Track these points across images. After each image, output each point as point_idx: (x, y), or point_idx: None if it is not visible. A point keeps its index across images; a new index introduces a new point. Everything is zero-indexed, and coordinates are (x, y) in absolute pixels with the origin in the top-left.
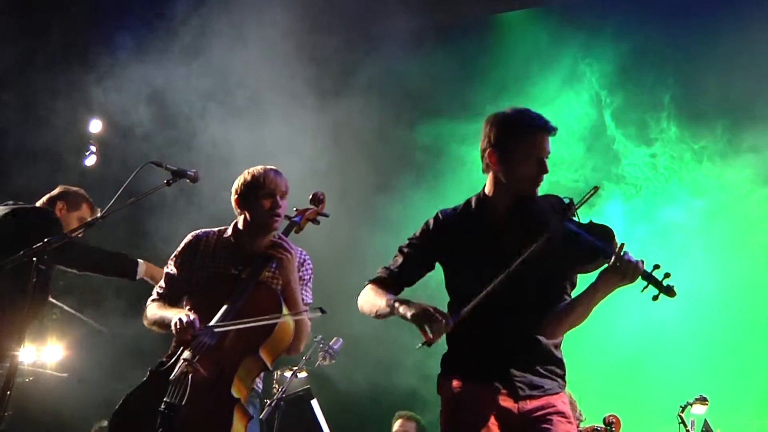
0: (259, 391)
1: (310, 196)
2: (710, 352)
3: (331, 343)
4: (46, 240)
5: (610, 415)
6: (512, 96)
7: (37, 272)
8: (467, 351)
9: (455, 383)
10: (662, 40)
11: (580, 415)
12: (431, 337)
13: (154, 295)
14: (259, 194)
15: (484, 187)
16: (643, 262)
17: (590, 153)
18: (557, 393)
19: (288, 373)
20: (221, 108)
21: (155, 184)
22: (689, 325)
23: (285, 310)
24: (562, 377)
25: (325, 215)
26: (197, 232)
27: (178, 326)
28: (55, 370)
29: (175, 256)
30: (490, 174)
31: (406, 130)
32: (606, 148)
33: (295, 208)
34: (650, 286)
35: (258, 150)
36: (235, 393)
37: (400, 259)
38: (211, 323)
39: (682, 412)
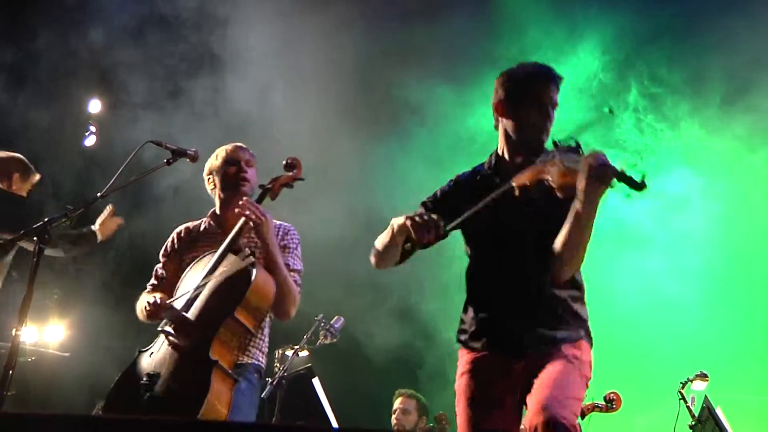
0: (258, 364)
1: (284, 163)
2: (710, 328)
3: (332, 322)
4: (46, 219)
5: (611, 392)
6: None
7: (38, 252)
8: (477, 317)
9: (467, 353)
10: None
11: None
12: (420, 237)
13: (147, 288)
14: (224, 167)
15: (498, 146)
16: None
17: (589, 124)
18: (572, 341)
19: (289, 352)
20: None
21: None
22: (689, 301)
23: (255, 274)
24: (581, 327)
25: (300, 179)
26: (182, 225)
27: (146, 309)
28: (57, 349)
29: (162, 250)
30: (501, 129)
31: (395, 90)
32: (606, 117)
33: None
34: (624, 185)
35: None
36: (213, 355)
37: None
38: (180, 299)
39: (683, 388)
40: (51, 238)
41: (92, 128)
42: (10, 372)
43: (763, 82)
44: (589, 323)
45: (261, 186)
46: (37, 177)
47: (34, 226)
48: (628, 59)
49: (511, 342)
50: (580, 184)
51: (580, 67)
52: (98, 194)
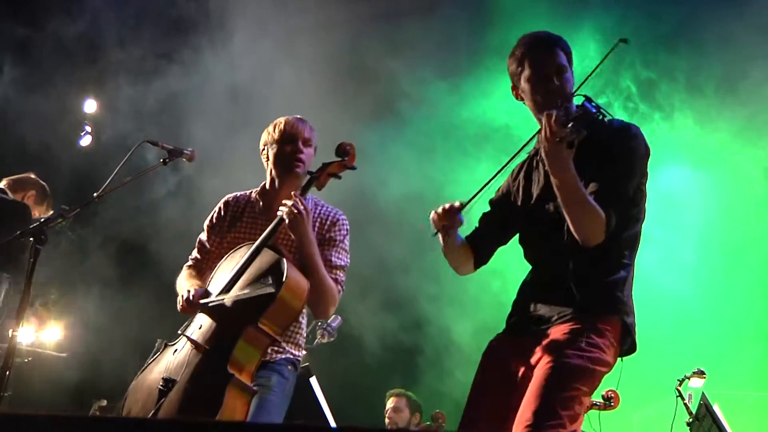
0: (292, 358)
1: (336, 147)
2: (707, 325)
3: (329, 321)
4: (42, 220)
5: (609, 390)
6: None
7: (35, 252)
8: (515, 300)
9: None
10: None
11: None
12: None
13: (189, 262)
14: (280, 140)
15: None
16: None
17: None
18: (567, 321)
19: None
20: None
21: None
22: (685, 298)
23: (285, 279)
24: (600, 303)
25: (353, 168)
26: (230, 195)
27: (180, 304)
28: (54, 350)
29: (207, 220)
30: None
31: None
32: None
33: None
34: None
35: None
36: (231, 369)
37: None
38: (210, 297)
39: (680, 385)
40: (47, 239)
41: (88, 128)
42: (7, 373)
43: (756, 75)
44: (626, 303)
45: (309, 172)
46: (50, 211)
47: (31, 227)
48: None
49: (521, 321)
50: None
51: (575, 56)
52: (95, 194)
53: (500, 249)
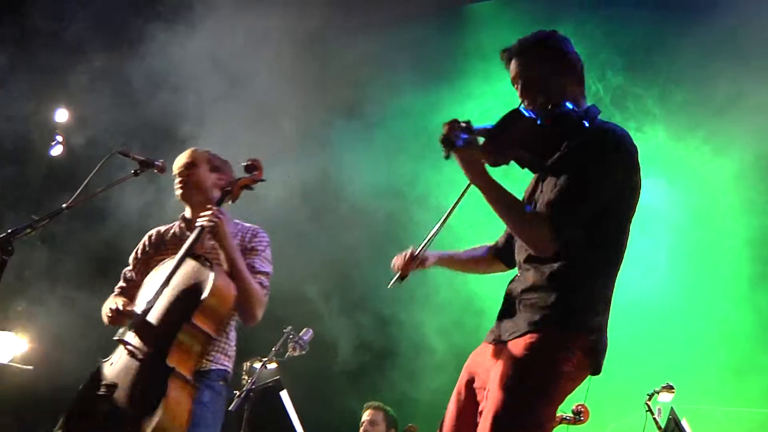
0: (223, 369)
1: (243, 164)
2: (677, 340)
3: (301, 334)
4: (10, 231)
5: (579, 405)
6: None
7: (1, 263)
8: None
9: None
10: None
11: None
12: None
13: (115, 292)
14: (174, 174)
15: None
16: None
17: None
18: (525, 333)
19: (257, 364)
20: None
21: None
22: (655, 312)
23: (213, 279)
24: (546, 308)
25: (261, 180)
26: (153, 229)
27: (108, 315)
28: (20, 362)
29: (132, 254)
30: None
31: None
32: None
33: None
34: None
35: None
36: (171, 363)
37: None
38: (139, 306)
39: (649, 400)
40: (14, 250)
41: (59, 138)
42: None
43: (725, 87)
44: (589, 322)
45: (221, 188)
46: None
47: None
48: (594, 56)
49: (492, 331)
50: None
51: None
52: (63, 205)
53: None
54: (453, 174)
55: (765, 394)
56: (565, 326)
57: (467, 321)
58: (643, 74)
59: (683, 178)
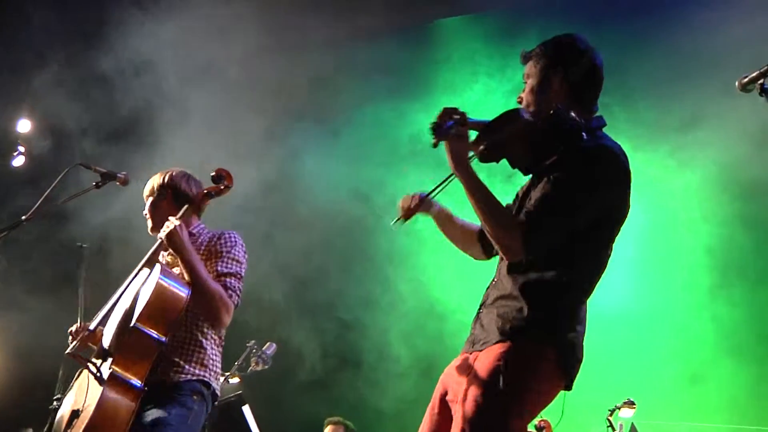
0: (194, 382)
1: (211, 175)
2: (638, 355)
3: (264, 349)
4: None
5: (541, 420)
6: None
7: None
8: None
9: None
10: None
11: None
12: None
13: None
14: None
15: None
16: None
17: None
18: (495, 343)
19: (220, 379)
20: None
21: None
22: (616, 327)
23: (156, 279)
24: (517, 319)
25: (227, 188)
26: None
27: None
28: None
29: None
30: None
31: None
32: None
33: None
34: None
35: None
36: (114, 366)
37: None
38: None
39: (611, 415)
40: None
41: (21, 148)
42: None
43: (689, 101)
44: (558, 335)
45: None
46: None
47: None
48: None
49: (467, 341)
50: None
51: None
52: (23, 217)
53: (437, 256)
54: (419, 181)
55: (725, 407)
56: (535, 338)
57: (430, 325)
58: (609, 89)
59: (645, 190)
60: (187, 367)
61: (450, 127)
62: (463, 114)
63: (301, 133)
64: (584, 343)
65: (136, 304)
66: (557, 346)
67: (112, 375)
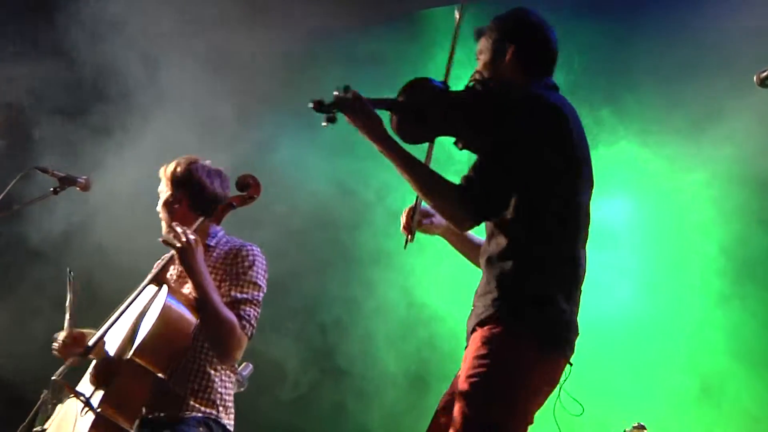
0: (212, 415)
1: (236, 181)
2: (649, 378)
3: (240, 369)
4: None
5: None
6: None
7: None
8: None
9: None
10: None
11: None
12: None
13: None
14: None
15: None
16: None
17: None
18: (484, 325)
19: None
20: None
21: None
22: (627, 349)
23: (163, 307)
24: (490, 306)
25: (251, 200)
26: None
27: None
28: None
29: None
30: None
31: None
32: None
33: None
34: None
35: None
36: (102, 409)
37: None
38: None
39: None
40: None
41: None
42: None
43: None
44: (527, 312)
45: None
46: None
47: None
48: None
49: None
50: None
51: None
52: None
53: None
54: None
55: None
56: (510, 324)
57: (419, 332)
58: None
59: (654, 197)
60: (191, 402)
61: (338, 102)
62: (354, 91)
63: (276, 120)
64: (592, 363)
65: (137, 329)
66: (534, 331)
67: (100, 418)
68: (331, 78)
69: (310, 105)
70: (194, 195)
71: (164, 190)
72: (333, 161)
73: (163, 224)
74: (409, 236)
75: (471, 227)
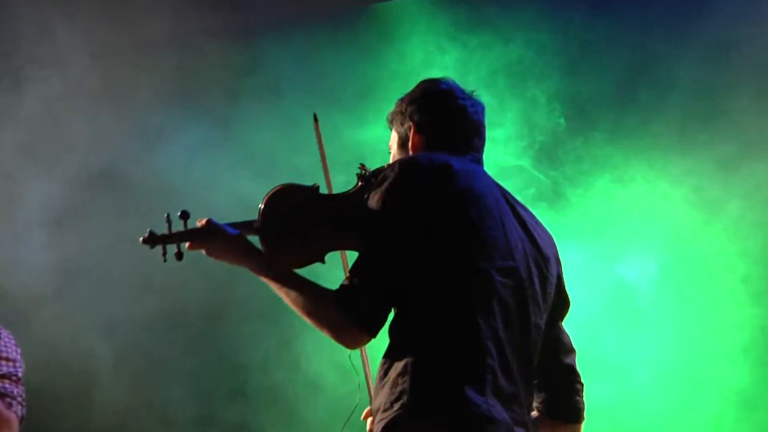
0: None
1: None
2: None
3: None
4: None
5: None
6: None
7: None
8: None
9: None
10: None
11: None
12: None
13: None
14: None
15: None
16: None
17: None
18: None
19: None
20: None
21: None
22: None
23: None
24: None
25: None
26: None
27: None
28: None
29: None
30: None
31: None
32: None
33: None
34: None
35: None
36: None
37: None
38: None
39: None
40: None
41: None
42: None
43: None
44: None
45: None
46: None
47: None
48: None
49: None
50: None
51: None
52: None
53: None
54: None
55: None
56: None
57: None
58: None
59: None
60: None
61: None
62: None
63: (191, 132)
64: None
65: None
66: (440, 420)
67: None
68: (249, 86)
69: (140, 240)
70: None
71: None
72: (254, 181)
73: None
74: None
75: (353, 343)
